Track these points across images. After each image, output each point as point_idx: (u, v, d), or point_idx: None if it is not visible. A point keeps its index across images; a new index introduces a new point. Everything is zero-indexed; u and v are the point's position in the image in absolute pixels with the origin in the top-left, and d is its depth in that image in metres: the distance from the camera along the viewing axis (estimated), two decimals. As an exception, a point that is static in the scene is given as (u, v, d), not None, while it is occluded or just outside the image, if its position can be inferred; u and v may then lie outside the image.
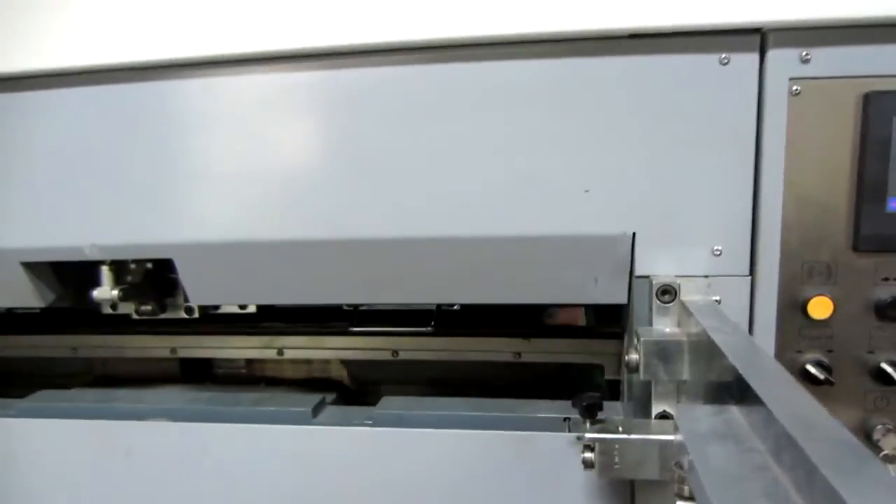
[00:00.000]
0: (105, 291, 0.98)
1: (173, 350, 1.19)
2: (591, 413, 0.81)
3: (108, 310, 1.08)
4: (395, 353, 1.11)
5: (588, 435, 0.79)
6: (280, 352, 1.15)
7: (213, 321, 1.14)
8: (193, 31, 0.84)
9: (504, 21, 0.77)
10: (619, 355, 1.04)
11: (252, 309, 1.13)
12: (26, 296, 1.04)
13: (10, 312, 1.31)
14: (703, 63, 0.78)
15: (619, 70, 0.80)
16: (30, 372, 1.29)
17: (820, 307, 0.79)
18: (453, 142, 0.84)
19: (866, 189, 0.77)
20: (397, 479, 0.99)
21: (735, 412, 0.57)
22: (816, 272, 0.80)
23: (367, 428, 0.99)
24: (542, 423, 0.95)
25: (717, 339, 0.64)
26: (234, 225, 0.91)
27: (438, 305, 1.14)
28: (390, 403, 1.02)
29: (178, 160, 0.91)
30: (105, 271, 0.99)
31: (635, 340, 0.78)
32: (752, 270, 0.82)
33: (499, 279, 0.91)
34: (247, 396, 1.06)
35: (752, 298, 0.82)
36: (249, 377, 1.27)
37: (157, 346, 1.19)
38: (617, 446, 0.78)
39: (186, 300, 1.08)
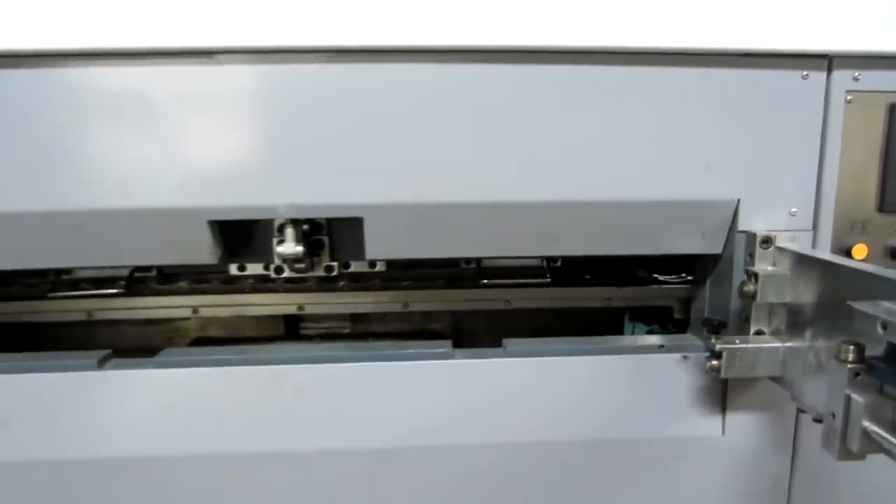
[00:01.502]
0: (290, 247, 1.10)
1: (300, 307, 1.31)
2: (718, 330, 1.09)
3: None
4: (508, 302, 1.33)
5: (718, 346, 1.08)
6: (406, 305, 1.32)
7: (344, 279, 1.28)
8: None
9: (673, 38, 1.03)
10: (688, 299, 1.34)
11: (381, 267, 1.29)
12: (202, 253, 1.13)
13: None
14: (791, 77, 1.10)
15: (737, 79, 1.09)
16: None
17: (859, 251, 1.14)
18: (623, 128, 1.09)
19: (889, 169, 1.13)
20: (533, 404, 1.21)
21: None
22: (856, 227, 1.14)
23: (507, 359, 1.21)
24: (644, 350, 1.23)
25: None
26: (420, 187, 1.09)
27: (548, 261, 1.38)
28: (515, 342, 1.24)
29: (374, 128, 1.06)
30: (290, 230, 1.11)
31: (750, 277, 1.08)
32: (814, 226, 1.15)
33: (630, 235, 1.17)
34: (383, 344, 1.23)
35: (813, 245, 1.15)
36: (352, 334, 1.41)
37: (284, 304, 1.30)
38: (738, 353, 1.08)
39: (333, 258, 1.22)
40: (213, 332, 1.36)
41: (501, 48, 1.03)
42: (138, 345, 1.32)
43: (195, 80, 1.02)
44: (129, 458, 1.18)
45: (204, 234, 1.10)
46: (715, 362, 1.08)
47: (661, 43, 1.05)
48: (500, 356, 1.22)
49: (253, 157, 1.06)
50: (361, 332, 1.41)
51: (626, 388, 1.20)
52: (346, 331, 1.42)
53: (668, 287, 1.35)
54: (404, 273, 1.33)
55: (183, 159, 1.05)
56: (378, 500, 1.22)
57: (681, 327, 1.38)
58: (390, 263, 1.31)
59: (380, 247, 1.14)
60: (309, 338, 1.43)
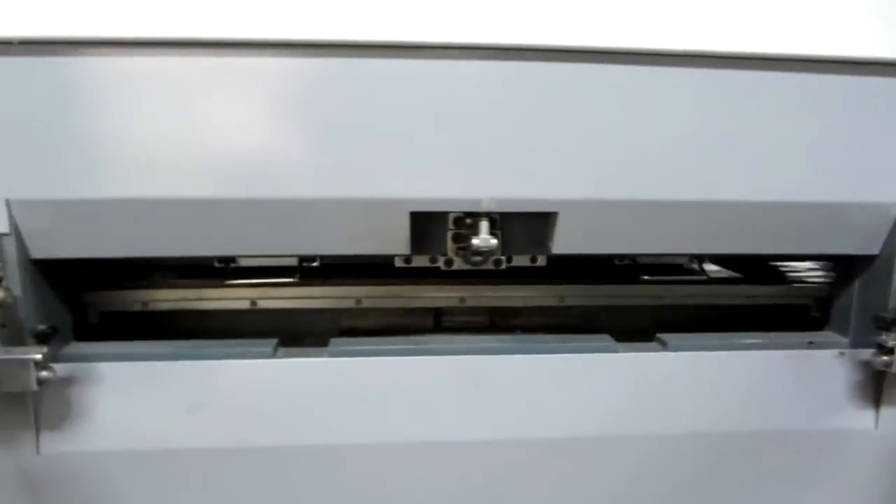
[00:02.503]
0: (486, 240, 1.14)
1: (462, 299, 1.35)
2: (890, 327, 1.16)
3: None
4: (660, 297, 1.38)
5: (891, 342, 1.14)
6: (562, 299, 1.36)
7: (499, 274, 1.31)
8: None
9: (838, 47, 1.09)
10: (827, 298, 1.40)
11: (542, 262, 1.33)
12: (398, 244, 1.16)
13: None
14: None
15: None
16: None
17: None
18: (794, 134, 1.14)
19: None
20: (692, 397, 1.26)
21: None
22: None
23: (669, 353, 1.26)
24: (794, 346, 1.29)
25: None
26: (615, 184, 1.13)
27: (699, 259, 1.43)
28: (673, 337, 1.28)
29: (572, 126, 1.10)
30: (484, 223, 1.14)
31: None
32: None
33: (790, 235, 1.23)
34: (548, 337, 1.28)
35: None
36: (495, 327, 1.45)
37: (447, 296, 1.34)
38: (912, 348, 1.14)
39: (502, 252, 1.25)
40: (359, 323, 1.37)
41: (701, 53, 1.08)
42: (298, 332, 1.33)
43: (414, 78, 1.05)
44: (305, 447, 1.20)
45: (403, 225, 1.13)
46: (885, 357, 1.15)
47: (827, 52, 1.11)
48: (661, 350, 1.27)
49: (458, 153, 1.09)
50: (501, 325, 1.44)
51: (782, 382, 1.26)
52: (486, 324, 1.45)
53: (808, 286, 1.41)
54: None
55: (390, 153, 1.08)
56: (544, 486, 1.26)
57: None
58: (550, 259, 1.35)
59: (569, 242, 1.17)
60: (455, 329, 1.44)
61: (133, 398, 1.15)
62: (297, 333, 1.33)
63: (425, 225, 1.18)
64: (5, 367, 1.01)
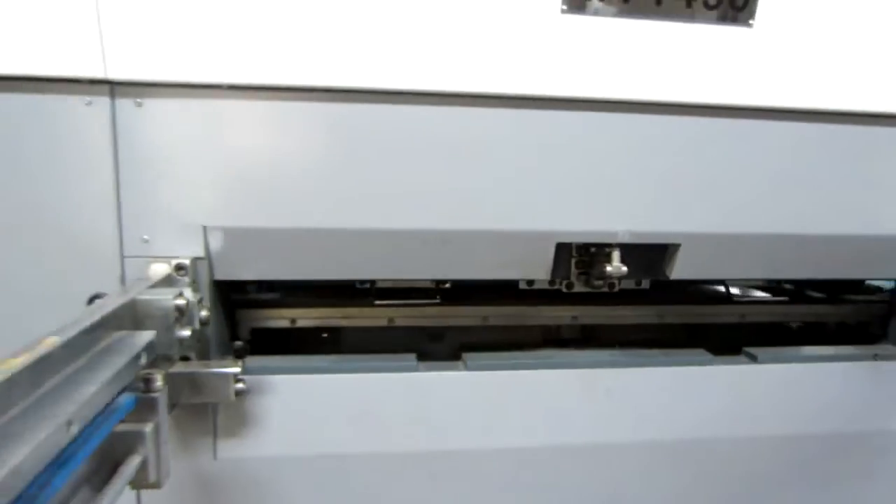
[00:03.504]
0: (618, 268, 1.29)
1: (574, 318, 1.50)
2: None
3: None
4: (743, 316, 1.56)
5: None
6: (661, 315, 1.52)
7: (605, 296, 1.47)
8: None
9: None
10: (885, 316, 1.60)
11: (645, 285, 1.49)
12: (540, 270, 1.30)
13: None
14: None
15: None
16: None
17: None
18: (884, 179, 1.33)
19: None
20: (782, 403, 1.44)
21: None
22: None
23: (760, 365, 1.43)
24: (861, 358, 1.47)
25: None
26: (727, 219, 1.30)
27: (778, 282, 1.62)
28: (763, 351, 1.46)
29: (695, 173, 1.27)
30: (616, 252, 1.30)
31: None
32: None
33: (864, 262, 1.42)
34: (653, 352, 1.44)
35: None
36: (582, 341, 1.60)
37: (562, 315, 1.48)
38: None
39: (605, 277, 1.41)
40: (484, 338, 1.51)
41: (807, 109, 1.26)
42: (428, 348, 1.46)
43: (570, 129, 1.21)
44: (450, 452, 1.33)
45: (549, 254, 1.28)
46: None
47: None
48: (751, 363, 1.44)
49: (599, 190, 1.25)
50: (606, 340, 1.59)
51: (855, 389, 1.45)
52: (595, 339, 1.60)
53: (871, 306, 1.61)
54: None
55: (539, 189, 1.23)
56: (663, 484, 1.41)
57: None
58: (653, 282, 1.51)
59: (685, 268, 1.34)
60: (569, 344, 1.58)
61: (301, 408, 1.26)
62: (427, 349, 1.46)
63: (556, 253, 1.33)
64: (209, 380, 1.12)
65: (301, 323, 1.41)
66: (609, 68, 1.18)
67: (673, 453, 1.39)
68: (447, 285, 1.48)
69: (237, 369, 1.13)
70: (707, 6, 1.18)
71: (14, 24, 1.07)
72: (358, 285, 1.48)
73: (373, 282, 1.46)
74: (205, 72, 1.12)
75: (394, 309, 1.43)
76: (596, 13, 1.16)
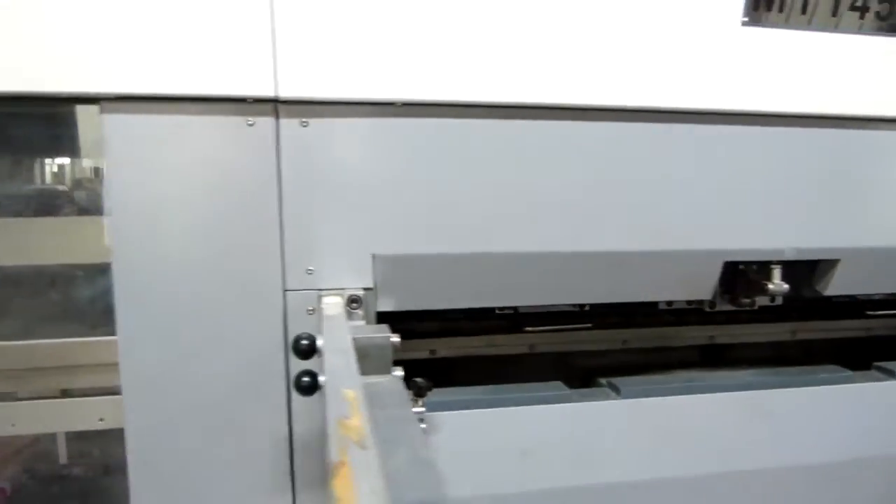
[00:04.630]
0: (779, 286, 1.26)
1: (711, 337, 1.45)
2: None
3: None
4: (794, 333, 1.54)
5: None
6: (794, 333, 1.49)
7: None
8: None
9: None
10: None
11: (779, 301, 1.46)
12: (705, 290, 1.26)
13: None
14: None
15: None
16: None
17: None
18: None
19: None
20: None
21: None
22: None
23: None
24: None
25: None
26: (886, 234, 1.28)
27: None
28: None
29: (854, 187, 1.25)
30: (777, 270, 1.26)
31: None
32: None
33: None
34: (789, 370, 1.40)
35: None
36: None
37: (701, 335, 1.44)
38: None
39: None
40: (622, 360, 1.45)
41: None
42: (566, 373, 1.39)
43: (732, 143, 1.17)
44: (612, 485, 1.27)
45: (714, 273, 1.24)
46: None
47: None
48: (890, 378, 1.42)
49: (767, 205, 1.22)
50: (737, 359, 1.55)
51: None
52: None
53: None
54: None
55: (708, 206, 1.19)
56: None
57: None
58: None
59: (842, 284, 1.31)
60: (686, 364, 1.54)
61: (461, 445, 1.18)
62: (565, 374, 1.39)
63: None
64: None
65: (442, 353, 1.32)
66: (784, 82, 1.15)
67: (836, 474, 1.36)
68: (586, 308, 1.42)
69: (423, 409, 1.05)
70: (879, 17, 1.16)
71: (170, 41, 0.97)
72: (498, 311, 1.41)
73: (515, 308, 1.39)
74: (375, 89, 1.04)
75: (539, 335, 1.36)
76: (775, 25, 1.13)
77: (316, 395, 1.05)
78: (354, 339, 0.86)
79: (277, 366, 1.09)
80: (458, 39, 1.05)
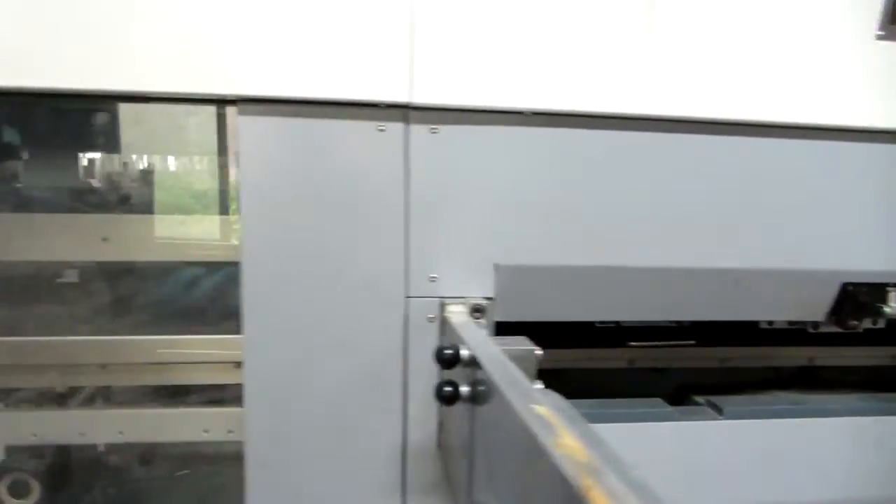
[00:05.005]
0: (895, 309, 1.23)
1: (811, 359, 1.43)
2: None
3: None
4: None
5: None
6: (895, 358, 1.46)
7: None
8: None
9: None
10: None
11: (881, 324, 1.43)
12: (819, 311, 1.23)
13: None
14: None
15: None
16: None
17: None
18: None
19: None
20: None
21: None
22: None
23: None
24: None
25: None
26: None
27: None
28: None
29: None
30: (893, 292, 1.23)
31: None
32: None
33: None
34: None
35: None
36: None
37: (795, 356, 1.42)
38: None
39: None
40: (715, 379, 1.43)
41: None
42: (665, 389, 1.38)
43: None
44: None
45: (830, 295, 1.21)
46: None
47: None
48: None
49: (885, 225, 1.19)
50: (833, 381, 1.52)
51: None
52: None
53: None
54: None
55: (827, 226, 1.17)
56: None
57: None
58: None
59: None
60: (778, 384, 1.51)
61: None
62: (658, 390, 1.37)
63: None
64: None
65: (543, 365, 1.31)
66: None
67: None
68: (686, 324, 1.40)
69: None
70: None
71: (308, 47, 0.97)
72: (598, 324, 1.39)
73: (617, 322, 1.37)
74: (504, 97, 1.04)
75: (639, 350, 1.34)
76: (910, 40, 1.10)
77: (425, 404, 1.06)
78: (505, 351, 0.85)
79: (395, 371, 1.08)
80: (588, 51, 1.04)
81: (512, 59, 1.02)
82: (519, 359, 0.87)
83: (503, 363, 0.79)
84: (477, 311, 1.06)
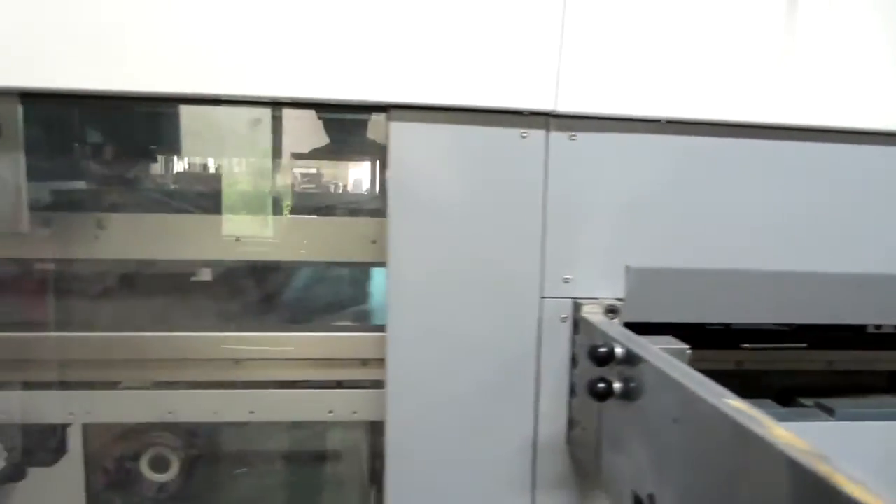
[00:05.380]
0: None
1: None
2: None
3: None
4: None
5: None
6: None
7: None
8: None
9: None
10: None
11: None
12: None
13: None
14: None
15: None
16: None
17: None
18: None
19: None
20: None
21: None
22: None
23: None
24: None
25: None
26: None
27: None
28: None
29: None
30: None
31: None
32: None
33: None
34: None
35: None
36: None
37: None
38: None
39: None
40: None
41: None
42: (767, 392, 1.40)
43: None
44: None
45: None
46: None
47: None
48: None
49: None
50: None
51: None
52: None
53: None
54: None
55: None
56: None
57: None
58: None
59: None
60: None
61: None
62: (761, 392, 1.40)
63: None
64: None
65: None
66: None
67: None
68: (793, 326, 1.43)
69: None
70: None
71: (459, 57, 1.02)
72: (708, 326, 1.43)
73: (727, 324, 1.40)
74: (641, 105, 1.08)
75: (747, 353, 1.37)
76: None
77: (555, 400, 1.10)
78: (662, 349, 0.89)
79: (529, 368, 1.12)
80: (725, 60, 1.07)
81: (650, 69, 1.06)
82: (674, 356, 0.90)
83: (670, 360, 0.82)
84: (611, 311, 1.10)
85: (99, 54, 0.96)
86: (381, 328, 1.11)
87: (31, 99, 1.05)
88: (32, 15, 0.95)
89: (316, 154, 1.49)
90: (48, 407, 1.21)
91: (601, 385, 0.92)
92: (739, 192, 1.14)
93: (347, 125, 1.41)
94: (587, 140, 1.09)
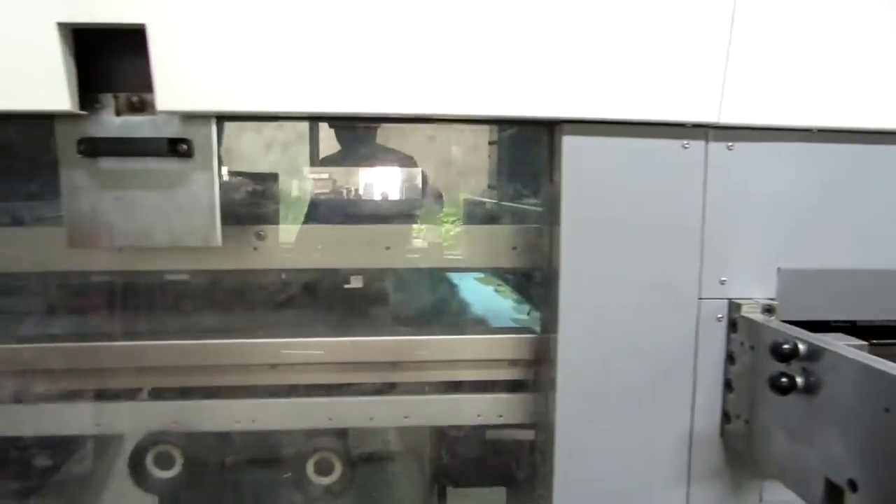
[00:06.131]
0: None
1: None
2: None
3: None
4: None
5: None
6: None
7: None
8: None
9: None
10: None
11: None
12: None
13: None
14: None
15: None
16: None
17: None
18: None
19: None
20: None
21: None
22: None
23: None
24: None
25: None
26: None
27: None
28: None
29: None
30: None
31: None
32: None
33: None
34: None
35: None
36: None
37: None
38: None
39: None
40: None
41: None
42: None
43: None
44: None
45: None
46: None
47: None
48: None
49: None
50: None
51: None
52: None
53: None
54: None
55: None
56: None
57: None
58: None
59: None
60: None
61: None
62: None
63: None
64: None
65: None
66: None
67: None
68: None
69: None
70: None
71: (629, 74, 1.08)
72: (833, 323, 1.48)
73: (853, 321, 1.46)
74: (793, 116, 1.14)
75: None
76: None
77: (710, 395, 1.17)
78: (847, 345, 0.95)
79: (687, 366, 1.19)
80: (875, 72, 1.13)
81: (805, 81, 1.12)
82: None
83: (868, 355, 0.89)
84: (768, 310, 1.16)
85: (308, 79, 1.03)
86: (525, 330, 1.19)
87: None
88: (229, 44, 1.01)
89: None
90: (215, 415, 1.29)
91: (783, 380, 0.99)
92: (885, 196, 1.20)
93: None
94: (743, 149, 1.15)
